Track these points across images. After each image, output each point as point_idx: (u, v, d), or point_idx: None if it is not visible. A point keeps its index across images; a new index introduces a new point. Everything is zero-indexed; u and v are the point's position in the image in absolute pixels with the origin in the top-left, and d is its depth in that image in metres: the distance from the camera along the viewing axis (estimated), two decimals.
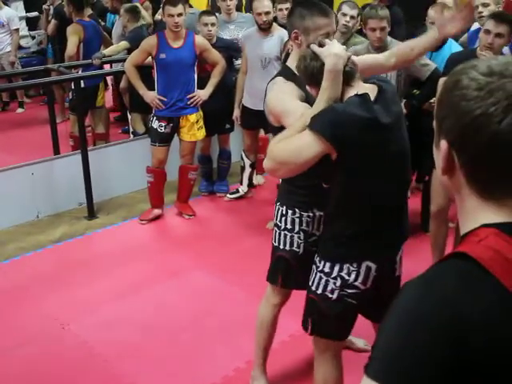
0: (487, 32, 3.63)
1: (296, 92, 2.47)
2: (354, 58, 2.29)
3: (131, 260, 4.47)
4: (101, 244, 4.84)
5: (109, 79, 7.81)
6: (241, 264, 4.40)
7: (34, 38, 9.15)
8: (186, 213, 5.17)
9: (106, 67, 6.75)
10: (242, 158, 5.43)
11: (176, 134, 4.99)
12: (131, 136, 6.35)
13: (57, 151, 5.57)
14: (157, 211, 5.12)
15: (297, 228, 2.76)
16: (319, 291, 2.38)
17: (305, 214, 2.74)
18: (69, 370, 3.29)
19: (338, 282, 2.34)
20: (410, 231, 2.53)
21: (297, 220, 2.76)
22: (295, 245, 2.77)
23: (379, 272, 2.35)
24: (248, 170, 5.43)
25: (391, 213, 2.35)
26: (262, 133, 5.61)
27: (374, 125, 2.14)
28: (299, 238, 2.76)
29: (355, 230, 2.30)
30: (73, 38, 5.91)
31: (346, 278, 2.32)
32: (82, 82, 5.35)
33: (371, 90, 2.23)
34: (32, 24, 9.24)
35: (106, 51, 5.95)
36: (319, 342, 2.54)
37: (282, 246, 2.81)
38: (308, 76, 2.30)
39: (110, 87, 7.96)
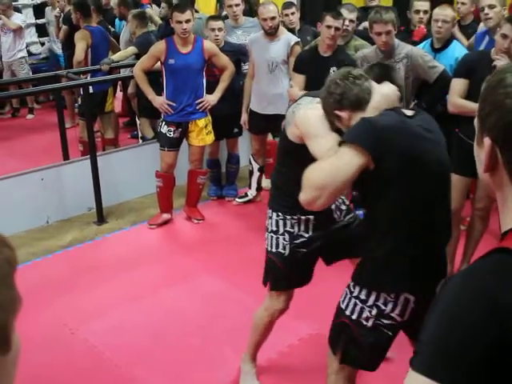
0: (504, 36, 3.55)
1: None
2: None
3: (140, 265, 4.48)
4: (110, 249, 4.85)
5: (118, 84, 7.84)
6: (250, 268, 4.39)
7: (43, 44, 9.20)
8: (194, 217, 5.18)
9: (114, 73, 6.77)
10: (251, 162, 5.44)
11: (185, 139, 5.00)
12: (140, 141, 6.38)
13: (66, 157, 5.60)
14: (166, 216, 5.13)
15: (281, 230, 2.81)
16: (354, 317, 2.24)
17: (288, 217, 2.78)
18: (79, 375, 3.30)
19: (374, 311, 2.20)
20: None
21: (281, 222, 2.81)
22: (281, 246, 2.83)
23: (418, 304, 2.19)
24: (256, 174, 5.44)
25: (429, 235, 2.18)
26: (270, 137, 5.62)
27: (411, 133, 2.11)
28: (284, 239, 2.81)
29: (392, 250, 2.15)
30: (80, 44, 5.95)
31: (383, 307, 2.19)
32: (90, 87, 5.38)
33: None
34: (41, 31, 9.29)
35: (115, 57, 5.98)
36: (334, 363, 2.37)
37: (269, 248, 2.89)
38: (337, 97, 2.27)
39: (120, 93, 7.99)
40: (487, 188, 1.06)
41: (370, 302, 2.20)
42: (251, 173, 5.46)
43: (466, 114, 3.79)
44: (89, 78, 5.88)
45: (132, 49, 6.01)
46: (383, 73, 2.46)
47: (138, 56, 5.92)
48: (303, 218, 2.76)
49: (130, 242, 4.94)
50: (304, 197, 2.09)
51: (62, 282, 4.25)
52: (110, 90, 6.18)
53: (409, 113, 2.21)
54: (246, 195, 5.54)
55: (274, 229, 2.83)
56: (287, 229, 2.80)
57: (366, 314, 2.21)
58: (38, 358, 3.38)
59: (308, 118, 2.47)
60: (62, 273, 4.42)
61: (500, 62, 3.58)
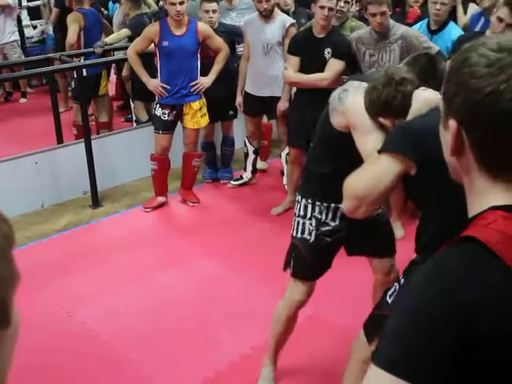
0: (500, 20, 3.53)
1: None
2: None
3: (136, 248, 4.48)
4: (106, 232, 4.85)
5: (112, 67, 7.79)
6: (246, 251, 4.42)
7: (35, 27, 9.13)
8: (190, 200, 5.18)
9: (108, 56, 6.72)
10: (246, 145, 5.42)
11: (179, 122, 4.98)
12: (134, 124, 6.36)
13: (60, 140, 5.57)
14: (161, 199, 5.13)
15: (309, 214, 2.74)
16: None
17: (318, 203, 2.73)
18: (76, 358, 3.31)
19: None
20: None
21: (309, 207, 2.76)
22: (306, 232, 2.76)
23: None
24: (252, 156, 5.43)
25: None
26: (265, 119, 5.61)
27: (431, 132, 1.97)
28: (311, 224, 2.74)
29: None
30: (73, 27, 5.90)
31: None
32: (84, 70, 5.34)
33: None
34: (34, 14, 9.21)
35: (108, 39, 5.94)
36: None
37: (294, 233, 2.81)
38: (381, 105, 2.22)
39: (114, 76, 7.94)
40: (454, 172, 1.02)
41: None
42: (246, 155, 5.45)
43: None
44: (82, 60, 5.83)
45: (125, 31, 5.97)
46: (429, 64, 2.37)
47: (131, 38, 5.87)
48: (333, 205, 2.69)
49: (126, 225, 4.94)
50: (346, 206, 2.06)
51: (57, 265, 4.25)
52: (104, 73, 6.14)
53: None
54: (241, 178, 5.53)
55: (302, 213, 2.77)
56: (315, 214, 2.74)
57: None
58: (34, 341, 3.38)
59: (360, 109, 2.35)
60: (58, 257, 4.42)
61: None
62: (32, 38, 9.04)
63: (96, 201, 5.18)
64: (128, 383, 3.14)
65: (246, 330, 3.51)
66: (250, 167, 5.48)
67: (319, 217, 2.73)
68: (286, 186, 5.20)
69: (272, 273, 3.68)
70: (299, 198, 2.83)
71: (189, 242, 4.57)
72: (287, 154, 5.08)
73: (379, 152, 2.01)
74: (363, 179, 2.02)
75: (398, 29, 4.11)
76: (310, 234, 2.75)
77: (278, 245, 4.12)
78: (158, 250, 4.50)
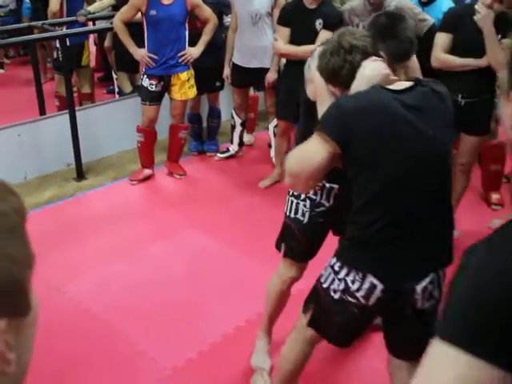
0: None
1: None
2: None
3: (123, 221, 4.43)
4: (92, 205, 4.78)
5: (91, 38, 7.62)
6: (235, 223, 4.39)
7: None
8: (176, 172, 5.12)
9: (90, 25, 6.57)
10: (233, 117, 5.36)
11: (167, 93, 4.89)
12: (117, 96, 6.24)
13: (43, 112, 5.45)
14: (147, 171, 5.06)
15: (303, 195, 2.68)
16: (325, 285, 2.20)
17: None
18: (67, 331, 3.27)
19: (342, 286, 2.12)
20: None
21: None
22: (300, 213, 2.71)
23: (386, 294, 2.06)
24: (238, 128, 5.37)
25: (410, 224, 2.03)
26: (251, 91, 5.55)
27: (387, 114, 1.97)
28: (304, 205, 2.68)
29: (370, 233, 2.04)
30: None
31: (350, 285, 2.10)
32: (67, 39, 5.21)
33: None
34: None
35: (91, 8, 5.78)
36: (303, 320, 2.34)
37: (288, 213, 2.76)
38: (329, 74, 2.13)
39: (94, 47, 7.78)
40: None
41: (341, 275, 2.12)
42: (233, 127, 5.39)
43: (449, 69, 3.77)
44: (65, 30, 5.68)
45: (109, 0, 5.82)
46: (389, 23, 2.30)
47: (114, 7, 5.75)
48: (327, 185, 2.61)
49: (112, 198, 4.87)
50: (286, 182, 2.09)
51: (43, 240, 4.15)
52: (87, 43, 6.00)
53: (400, 87, 2.04)
54: (228, 150, 5.48)
55: (296, 193, 2.69)
56: (309, 195, 2.66)
57: (335, 285, 2.14)
58: None
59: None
60: (43, 230, 4.33)
61: (478, 15, 3.56)
62: (7, 6, 8.78)
63: (80, 173, 5.09)
64: (120, 357, 3.11)
65: (238, 302, 3.49)
66: (236, 139, 5.42)
67: (314, 197, 2.66)
68: (273, 159, 5.16)
69: (262, 245, 3.67)
70: None
71: (177, 214, 4.53)
72: (275, 127, 5.04)
73: (318, 131, 2.00)
74: (297, 157, 2.06)
75: (392, 0, 4.06)
76: (303, 215, 2.69)
77: (267, 217, 4.12)
78: (145, 223, 4.44)
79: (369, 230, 2.04)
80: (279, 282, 2.88)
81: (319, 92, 2.23)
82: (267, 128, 5.32)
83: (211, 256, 4.00)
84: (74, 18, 5.62)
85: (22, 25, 5.65)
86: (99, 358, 3.10)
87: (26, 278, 0.72)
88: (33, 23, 5.74)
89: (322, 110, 2.15)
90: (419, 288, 2.06)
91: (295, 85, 4.37)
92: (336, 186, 2.61)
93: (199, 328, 3.30)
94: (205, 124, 5.63)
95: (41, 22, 5.63)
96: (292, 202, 2.73)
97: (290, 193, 2.74)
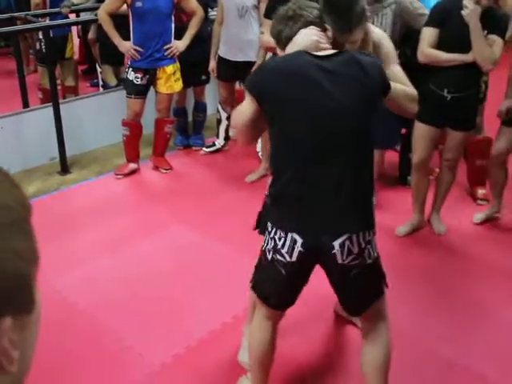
0: None
1: None
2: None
3: (109, 215, 4.39)
4: (76, 200, 4.73)
5: (74, 30, 7.54)
6: (221, 218, 4.36)
7: None
8: (162, 167, 5.08)
9: (72, 16, 6.50)
10: (219, 111, 5.33)
11: (152, 86, 4.85)
12: (101, 89, 6.19)
13: (26, 104, 5.39)
14: (132, 165, 5.02)
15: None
16: (264, 247, 2.30)
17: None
18: (52, 327, 3.22)
19: (272, 244, 2.23)
20: (368, 227, 2.23)
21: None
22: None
23: (307, 251, 2.18)
24: (224, 122, 5.34)
25: (316, 180, 2.14)
26: (237, 85, 5.51)
27: (299, 75, 2.12)
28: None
29: (278, 188, 2.21)
30: None
31: (277, 242, 2.21)
32: (50, 31, 5.14)
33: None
34: None
35: None
36: (256, 299, 2.50)
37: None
38: (274, 37, 2.35)
39: (77, 38, 7.70)
40: None
41: (271, 234, 2.24)
42: (219, 121, 5.37)
43: (436, 64, 3.77)
44: (47, 21, 5.61)
45: None
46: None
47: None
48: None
49: (97, 192, 4.82)
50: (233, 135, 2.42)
51: None
52: (70, 35, 5.94)
53: (324, 53, 2.18)
54: (214, 144, 5.45)
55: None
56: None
57: (269, 245, 2.26)
58: None
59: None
60: None
61: (466, 10, 3.56)
62: None
63: (65, 167, 5.04)
64: (107, 352, 3.08)
65: (224, 298, 3.47)
66: (222, 134, 5.40)
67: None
68: (259, 153, 5.14)
69: (249, 240, 3.63)
70: None
71: (163, 209, 4.50)
72: None
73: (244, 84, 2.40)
74: (236, 112, 2.31)
75: None
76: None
77: (254, 213, 4.09)
78: (131, 217, 4.41)
79: (277, 185, 2.22)
80: None
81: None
82: None
83: (198, 251, 3.97)
84: (57, 9, 5.55)
85: (3, 15, 5.56)
86: (86, 353, 3.06)
87: (32, 273, 0.70)
88: (16, 14, 5.66)
89: None
90: (336, 244, 2.15)
91: None
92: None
93: (186, 324, 3.28)
94: (190, 118, 5.59)
95: (24, 12, 5.55)
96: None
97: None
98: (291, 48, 2.23)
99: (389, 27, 3.93)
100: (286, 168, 2.18)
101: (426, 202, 4.17)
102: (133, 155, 5.01)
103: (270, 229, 2.25)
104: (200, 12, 4.78)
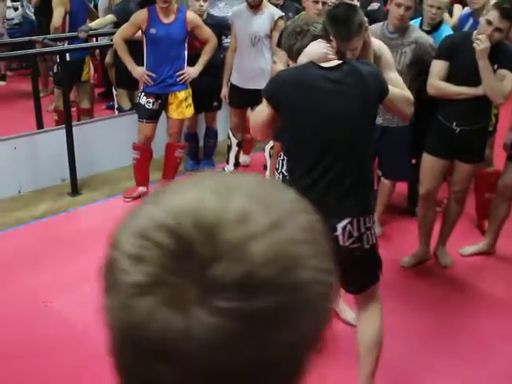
0: (489, 23, 3.51)
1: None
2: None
3: None
4: (84, 221, 4.77)
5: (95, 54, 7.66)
6: None
7: (16, 9, 8.93)
8: None
9: (92, 41, 6.61)
10: (229, 137, 5.36)
11: (164, 111, 4.90)
12: (116, 112, 6.26)
13: (40, 125, 5.47)
14: (142, 189, 5.05)
15: (279, 169, 3.28)
16: None
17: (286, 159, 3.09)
18: (52, 348, 3.24)
19: None
20: (368, 210, 2.59)
21: (280, 162, 3.29)
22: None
23: None
24: (235, 149, 5.37)
25: (326, 173, 2.48)
26: (249, 112, 5.55)
27: (308, 85, 2.48)
28: (279, 178, 3.23)
29: (293, 182, 2.53)
30: (59, 10, 5.77)
31: None
32: (67, 55, 5.23)
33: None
34: None
35: (93, 24, 5.81)
36: None
37: None
38: (286, 49, 2.73)
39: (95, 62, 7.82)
40: None
41: None
42: (229, 148, 5.39)
43: (445, 96, 3.77)
44: (66, 45, 5.72)
45: (110, 17, 5.86)
46: (341, 11, 2.65)
47: (116, 24, 5.78)
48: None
49: (105, 214, 4.84)
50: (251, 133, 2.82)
51: (34, 253, 4.16)
52: (87, 59, 6.03)
53: (329, 64, 2.49)
54: (224, 170, 5.47)
55: (277, 166, 3.31)
56: (283, 170, 3.16)
57: None
58: (9, 331, 3.31)
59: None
60: (35, 244, 4.33)
61: (479, 46, 3.56)
62: (13, 19, 8.86)
63: (75, 188, 5.09)
64: (104, 374, 3.07)
65: None
66: (232, 160, 5.42)
67: (286, 174, 3.09)
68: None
69: None
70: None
71: None
72: (271, 148, 5.04)
73: (262, 90, 2.62)
74: (254, 114, 2.75)
75: (413, 31, 4.00)
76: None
77: None
78: None
79: (291, 180, 2.60)
80: None
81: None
82: (263, 149, 5.32)
83: None
84: (75, 33, 5.65)
85: (23, 38, 5.67)
86: (85, 374, 3.07)
87: None
88: (34, 37, 5.78)
89: None
90: (339, 226, 2.48)
91: None
92: None
93: None
94: (201, 143, 5.63)
95: (42, 36, 5.66)
96: (275, 174, 3.44)
97: (276, 166, 3.40)
98: (302, 59, 2.54)
99: (405, 66, 3.93)
100: (298, 164, 2.57)
101: (433, 234, 4.14)
102: (142, 179, 5.04)
103: None
104: (213, 39, 4.84)
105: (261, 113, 2.58)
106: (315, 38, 2.58)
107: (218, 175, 0.65)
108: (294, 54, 2.63)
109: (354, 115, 2.48)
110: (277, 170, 3.31)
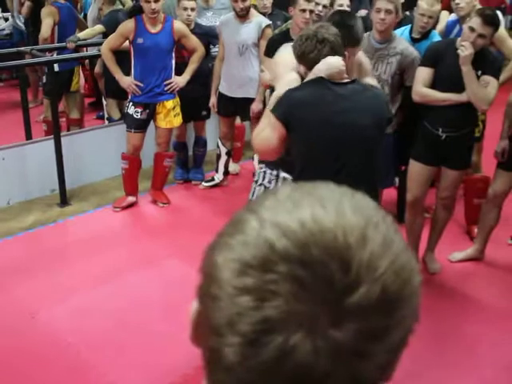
0: (471, 30, 3.54)
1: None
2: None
3: (104, 248, 4.40)
4: (73, 231, 4.76)
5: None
6: None
7: (6, 19, 8.94)
8: (160, 201, 5.11)
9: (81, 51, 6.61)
10: (218, 146, 5.37)
11: (152, 121, 4.91)
12: (106, 122, 6.26)
13: (29, 136, 5.46)
14: (131, 199, 5.05)
15: (260, 181, 3.24)
16: None
17: (269, 171, 3.13)
18: (40, 361, 3.22)
19: None
20: None
21: (261, 175, 3.25)
22: (254, 197, 3.13)
23: None
24: (224, 157, 5.37)
25: (337, 177, 2.60)
26: (238, 120, 5.56)
27: (314, 102, 2.53)
28: (259, 191, 3.19)
29: None
30: (47, 20, 5.79)
31: None
32: (56, 65, 5.23)
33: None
34: (3, 5, 9.02)
35: (81, 34, 5.83)
36: None
37: (250, 197, 3.24)
38: (299, 54, 2.62)
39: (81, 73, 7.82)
40: None
41: None
42: (218, 156, 5.40)
43: (430, 103, 3.79)
44: (55, 55, 5.72)
45: (99, 27, 5.87)
46: (340, 19, 2.78)
47: (105, 35, 5.79)
48: (281, 175, 3.08)
49: (94, 224, 4.84)
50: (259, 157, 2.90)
51: (22, 264, 4.15)
52: (77, 69, 6.04)
53: (341, 81, 2.56)
54: (213, 179, 5.47)
55: (257, 179, 3.26)
56: (264, 182, 3.18)
57: None
58: None
59: (278, 60, 2.90)
60: (23, 255, 4.32)
61: (463, 52, 3.57)
62: (3, 30, 8.86)
63: (64, 199, 5.08)
64: None
65: None
66: (222, 169, 5.42)
67: (267, 185, 3.14)
68: None
69: None
70: (259, 165, 3.35)
71: (158, 242, 4.50)
72: None
73: (271, 111, 2.56)
74: (260, 141, 2.62)
75: (400, 43, 3.99)
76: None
77: None
78: (126, 250, 4.42)
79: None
80: None
81: (279, 74, 2.76)
82: (252, 158, 5.33)
83: (190, 286, 3.85)
84: (63, 44, 5.66)
85: (10, 49, 5.67)
86: None
87: None
88: (22, 48, 5.77)
89: (278, 90, 2.65)
90: None
91: None
92: (290, 177, 3.04)
93: (174, 359, 3.25)
94: (191, 152, 5.63)
95: (30, 47, 5.66)
96: (254, 187, 3.29)
97: (255, 179, 3.32)
98: (316, 73, 2.55)
99: (390, 76, 3.93)
100: (311, 178, 2.60)
101: (422, 240, 4.14)
102: (131, 188, 5.04)
103: None
104: (201, 49, 4.85)
105: (269, 139, 2.57)
106: (333, 50, 2.57)
107: (307, 187, 0.63)
108: (307, 62, 2.59)
109: (359, 127, 2.56)
110: (256, 182, 3.28)
